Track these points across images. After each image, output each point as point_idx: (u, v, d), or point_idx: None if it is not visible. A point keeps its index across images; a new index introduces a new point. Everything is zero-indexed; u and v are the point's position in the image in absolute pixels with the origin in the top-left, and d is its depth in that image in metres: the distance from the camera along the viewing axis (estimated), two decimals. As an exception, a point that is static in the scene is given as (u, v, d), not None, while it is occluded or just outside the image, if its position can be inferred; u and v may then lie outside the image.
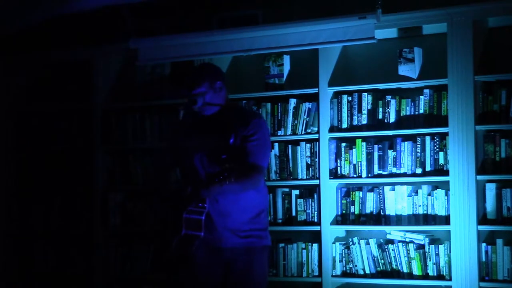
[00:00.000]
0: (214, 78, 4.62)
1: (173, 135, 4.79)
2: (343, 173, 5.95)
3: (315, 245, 5.98)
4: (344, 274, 5.92)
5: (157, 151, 4.64)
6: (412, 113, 5.77)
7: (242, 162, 4.49)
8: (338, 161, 5.96)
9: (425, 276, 5.68)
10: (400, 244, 5.76)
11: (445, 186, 5.64)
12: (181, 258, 4.60)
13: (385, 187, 5.85)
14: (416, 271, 5.70)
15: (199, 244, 4.55)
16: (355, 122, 5.91)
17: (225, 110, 4.64)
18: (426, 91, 5.73)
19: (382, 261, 5.81)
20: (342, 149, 5.94)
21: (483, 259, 5.50)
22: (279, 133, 6.11)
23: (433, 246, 5.67)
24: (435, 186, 5.74)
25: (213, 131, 4.61)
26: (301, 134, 6.07)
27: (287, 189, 6.14)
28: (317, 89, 5.98)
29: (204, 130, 4.65)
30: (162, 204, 4.76)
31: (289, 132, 6.10)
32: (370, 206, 5.87)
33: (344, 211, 5.95)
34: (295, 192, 6.11)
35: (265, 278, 4.67)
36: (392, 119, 5.83)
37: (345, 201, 5.94)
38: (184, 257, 4.60)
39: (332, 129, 5.96)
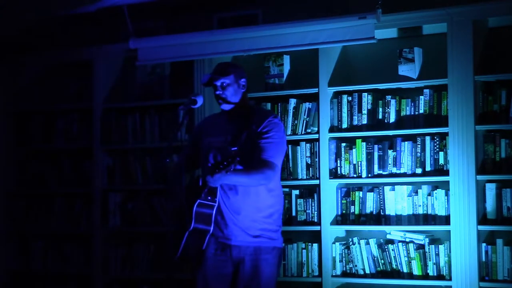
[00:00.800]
0: (241, 74, 4.71)
1: (193, 135, 4.85)
2: (343, 173, 5.95)
3: (315, 245, 5.98)
4: (344, 274, 5.91)
5: (179, 151, 4.66)
6: (412, 113, 5.77)
7: (255, 157, 4.51)
8: (338, 161, 5.96)
9: (425, 276, 5.68)
10: (400, 244, 5.76)
11: (445, 186, 5.64)
12: (191, 254, 4.61)
13: (385, 187, 5.85)
14: (416, 271, 5.70)
15: (210, 240, 4.57)
16: (355, 122, 5.91)
17: (242, 109, 4.68)
18: (426, 91, 5.73)
19: (382, 261, 5.81)
20: (342, 149, 5.94)
21: (483, 259, 5.50)
22: (279, 133, 6.11)
23: (433, 246, 5.66)
24: (435, 186, 5.74)
25: (229, 128, 4.64)
26: (301, 134, 6.07)
27: (287, 189, 6.13)
28: (317, 89, 5.98)
29: (220, 128, 4.68)
30: (173, 199, 4.77)
31: (289, 132, 6.09)
32: (370, 206, 5.87)
33: (344, 211, 5.95)
34: (295, 192, 6.10)
35: (274, 279, 4.66)
36: (392, 119, 5.83)
37: (345, 201, 5.94)
38: (194, 253, 4.60)
39: (332, 129, 5.96)
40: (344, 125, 5.93)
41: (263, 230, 4.62)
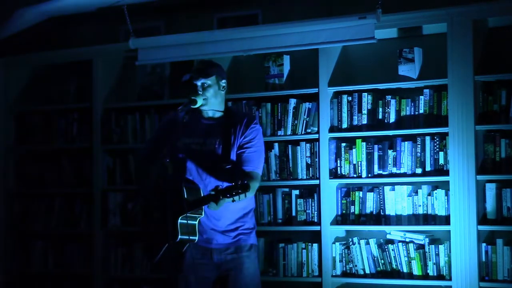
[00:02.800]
0: (222, 75, 4.66)
1: (167, 129, 4.74)
2: (343, 173, 5.94)
3: (315, 245, 5.98)
4: (344, 274, 5.91)
5: (143, 143, 4.59)
6: (412, 113, 5.77)
7: (240, 169, 4.50)
8: (338, 161, 5.96)
9: (425, 276, 5.68)
10: (400, 244, 5.76)
11: (445, 186, 5.64)
12: (171, 261, 4.59)
13: (385, 187, 5.85)
14: (416, 271, 5.70)
15: (189, 245, 4.55)
16: (355, 122, 5.91)
17: (223, 115, 4.65)
18: (426, 91, 5.73)
19: (382, 261, 5.81)
20: (342, 149, 5.94)
21: (483, 259, 5.50)
22: (279, 133, 6.11)
23: (433, 246, 5.66)
24: (435, 186, 5.74)
25: (204, 128, 4.61)
26: (301, 134, 6.07)
27: (287, 189, 6.14)
28: (317, 89, 5.97)
29: (196, 128, 4.63)
30: (142, 202, 4.75)
31: (289, 132, 6.09)
32: (370, 206, 5.87)
33: (344, 211, 5.95)
34: (295, 192, 6.10)
35: (258, 275, 4.67)
36: (392, 119, 5.83)
37: (345, 201, 5.94)
38: (174, 260, 4.59)
39: (332, 129, 5.96)
40: (344, 125, 5.93)
41: (241, 229, 4.62)
